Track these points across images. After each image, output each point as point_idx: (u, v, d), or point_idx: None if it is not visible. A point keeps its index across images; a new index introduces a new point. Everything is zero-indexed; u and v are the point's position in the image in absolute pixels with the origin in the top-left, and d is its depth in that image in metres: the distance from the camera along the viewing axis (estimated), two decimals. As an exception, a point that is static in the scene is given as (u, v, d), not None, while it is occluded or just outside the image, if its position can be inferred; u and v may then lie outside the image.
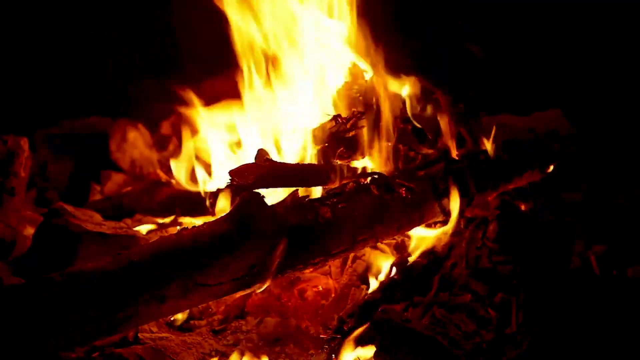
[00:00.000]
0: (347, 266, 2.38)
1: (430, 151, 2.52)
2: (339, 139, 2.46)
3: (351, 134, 2.42)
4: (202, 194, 2.81)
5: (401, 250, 2.42)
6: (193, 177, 3.22)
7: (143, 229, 2.76)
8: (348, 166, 2.42)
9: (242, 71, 2.79)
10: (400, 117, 2.57)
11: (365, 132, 2.46)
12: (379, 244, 2.32)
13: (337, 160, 2.43)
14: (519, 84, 3.72)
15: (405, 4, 2.70)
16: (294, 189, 2.13)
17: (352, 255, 2.35)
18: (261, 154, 2.33)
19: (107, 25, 4.19)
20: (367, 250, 2.37)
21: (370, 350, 1.95)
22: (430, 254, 2.30)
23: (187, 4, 2.71)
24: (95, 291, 1.64)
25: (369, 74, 2.69)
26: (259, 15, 2.72)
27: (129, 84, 4.12)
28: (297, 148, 2.60)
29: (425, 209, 2.26)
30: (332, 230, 2.01)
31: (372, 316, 2.02)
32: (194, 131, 3.13)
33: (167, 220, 2.86)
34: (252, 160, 2.31)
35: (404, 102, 2.61)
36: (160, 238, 1.87)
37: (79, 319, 1.61)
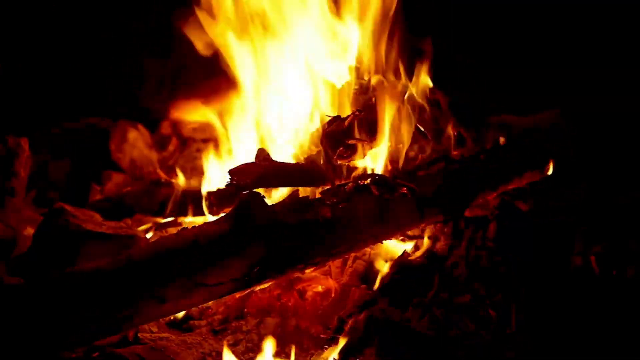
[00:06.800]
0: (347, 266, 2.38)
1: (430, 151, 2.52)
2: (339, 139, 2.46)
3: (351, 141, 2.42)
4: (203, 194, 2.81)
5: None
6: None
7: (143, 229, 2.76)
8: (348, 166, 2.42)
9: (242, 71, 2.79)
10: (401, 118, 2.57)
11: (365, 132, 2.47)
12: (379, 244, 2.32)
13: (338, 160, 2.43)
14: (518, 84, 3.72)
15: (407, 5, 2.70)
16: (294, 188, 2.13)
17: (352, 255, 2.35)
18: (261, 153, 2.33)
19: (107, 25, 4.19)
20: (367, 250, 2.37)
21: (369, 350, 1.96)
22: (430, 254, 2.30)
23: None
24: (95, 291, 1.64)
25: (369, 74, 2.69)
26: (260, 14, 2.73)
27: (130, 84, 4.13)
28: (297, 148, 2.60)
29: (425, 209, 2.26)
30: (332, 230, 2.01)
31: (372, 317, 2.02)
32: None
33: (167, 220, 2.86)
34: (252, 160, 2.32)
35: (404, 102, 2.61)
36: (160, 238, 1.88)
37: (79, 319, 1.62)
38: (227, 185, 2.25)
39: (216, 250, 1.80)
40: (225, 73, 2.85)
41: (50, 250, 2.37)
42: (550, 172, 2.64)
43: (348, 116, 2.47)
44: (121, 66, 4.22)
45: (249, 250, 1.84)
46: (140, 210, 2.95)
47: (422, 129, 2.58)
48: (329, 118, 2.52)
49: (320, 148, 2.47)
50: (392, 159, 2.46)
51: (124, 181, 3.52)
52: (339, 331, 2.10)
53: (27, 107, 3.86)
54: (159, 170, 3.64)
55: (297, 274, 2.24)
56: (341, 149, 2.44)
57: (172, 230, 2.66)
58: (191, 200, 2.83)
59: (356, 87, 2.65)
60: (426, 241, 2.40)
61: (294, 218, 1.95)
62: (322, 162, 2.44)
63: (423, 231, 2.46)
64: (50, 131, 3.78)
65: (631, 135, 3.33)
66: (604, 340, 1.97)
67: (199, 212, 2.73)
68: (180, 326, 2.24)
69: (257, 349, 2.10)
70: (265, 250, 1.87)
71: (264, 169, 2.23)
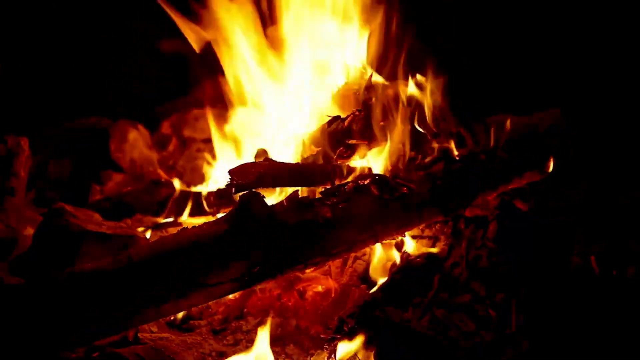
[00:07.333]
0: (347, 266, 2.38)
1: (430, 151, 2.52)
2: (339, 139, 2.46)
3: (351, 141, 2.42)
4: (203, 194, 2.81)
5: (401, 249, 2.42)
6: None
7: (143, 229, 2.76)
8: (348, 166, 2.42)
9: (242, 71, 2.80)
10: (401, 117, 2.57)
11: (365, 132, 2.47)
12: (379, 244, 2.32)
13: (338, 160, 2.43)
14: (518, 84, 3.72)
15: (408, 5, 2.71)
16: (294, 188, 2.13)
17: (352, 255, 2.35)
18: (261, 153, 2.33)
19: (107, 25, 4.19)
20: (367, 250, 2.37)
21: (369, 351, 1.95)
22: (430, 254, 2.30)
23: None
24: (95, 291, 1.64)
25: (369, 74, 2.69)
26: (260, 15, 2.73)
27: (130, 84, 4.13)
28: (297, 148, 2.60)
29: (425, 209, 2.26)
30: (332, 230, 2.01)
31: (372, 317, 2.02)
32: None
33: (167, 220, 2.87)
34: (251, 159, 2.32)
35: (404, 102, 2.61)
36: (160, 238, 1.88)
37: (79, 319, 1.62)
38: (227, 185, 2.25)
39: (216, 250, 1.80)
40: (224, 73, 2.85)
41: (50, 250, 2.37)
42: (550, 169, 2.64)
43: (348, 116, 2.47)
44: (121, 66, 4.22)
45: (249, 250, 1.84)
46: (140, 210, 2.96)
47: (422, 129, 2.58)
48: (329, 118, 2.52)
49: (320, 148, 2.47)
50: (392, 159, 2.46)
51: (124, 181, 3.53)
52: (339, 331, 2.10)
53: (27, 107, 3.87)
54: (159, 170, 3.64)
55: (297, 274, 2.24)
56: (341, 149, 2.44)
57: (172, 230, 2.66)
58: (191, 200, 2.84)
59: (356, 87, 2.65)
60: (426, 241, 2.40)
61: (294, 218, 1.95)
62: (322, 162, 2.44)
63: (423, 231, 2.46)
64: (50, 131, 3.79)
65: (631, 136, 3.33)
66: (604, 340, 1.97)
67: (199, 212, 2.74)
68: (180, 326, 2.24)
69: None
70: (265, 250, 1.87)
71: (264, 169, 2.22)
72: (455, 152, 2.53)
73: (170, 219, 2.87)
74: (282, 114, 2.77)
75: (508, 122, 2.72)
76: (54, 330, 1.59)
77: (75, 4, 4.07)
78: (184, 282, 1.74)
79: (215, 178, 3.04)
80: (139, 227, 2.78)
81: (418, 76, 2.63)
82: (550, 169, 2.65)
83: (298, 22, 2.73)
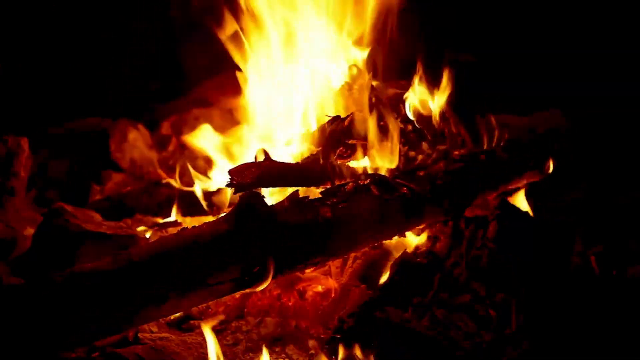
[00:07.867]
0: (347, 266, 2.38)
1: (430, 151, 2.52)
2: (339, 139, 2.46)
3: (351, 141, 2.42)
4: (203, 194, 2.81)
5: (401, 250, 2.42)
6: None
7: (143, 229, 2.76)
8: (348, 166, 2.42)
9: (242, 72, 2.80)
10: (401, 117, 2.57)
11: (364, 131, 2.46)
12: (379, 244, 2.32)
13: (338, 160, 2.43)
14: (518, 84, 3.72)
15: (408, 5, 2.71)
16: (294, 188, 2.13)
17: (352, 255, 2.35)
18: (261, 153, 2.33)
19: (107, 25, 4.19)
20: (367, 250, 2.37)
21: (370, 351, 1.95)
22: (430, 254, 2.30)
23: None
24: (95, 291, 1.64)
25: (369, 74, 2.69)
26: (259, 17, 2.73)
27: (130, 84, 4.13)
28: (297, 148, 2.60)
29: (425, 209, 2.26)
30: (332, 230, 2.01)
31: (372, 317, 2.02)
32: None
33: (167, 220, 2.87)
34: (252, 159, 2.31)
35: (404, 102, 2.61)
36: (160, 238, 1.88)
37: (79, 319, 1.62)
38: (227, 185, 2.25)
39: (216, 250, 1.80)
40: (224, 73, 2.85)
41: (50, 250, 2.37)
42: (550, 170, 2.64)
43: (348, 116, 2.47)
44: (121, 66, 4.23)
45: (249, 250, 1.84)
46: (140, 210, 2.96)
47: (422, 128, 2.57)
48: (329, 118, 2.52)
49: (320, 148, 2.47)
50: (392, 158, 2.45)
51: (124, 181, 3.53)
52: (339, 331, 2.10)
53: (27, 107, 3.87)
54: (159, 170, 3.64)
55: (297, 274, 2.24)
56: (341, 149, 2.44)
57: (172, 230, 2.66)
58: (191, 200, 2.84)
59: (356, 87, 2.65)
60: (426, 241, 2.40)
61: (294, 218, 1.95)
62: (322, 162, 2.44)
63: (423, 231, 2.46)
64: (50, 131, 3.79)
65: (631, 136, 3.33)
66: (604, 340, 1.97)
67: (199, 212, 2.73)
68: (180, 326, 2.24)
69: (257, 349, 2.10)
70: (265, 250, 1.87)
71: (263, 169, 2.22)
72: (455, 152, 2.53)
73: (170, 219, 2.87)
74: (282, 114, 2.77)
75: (508, 122, 2.72)
76: (54, 330, 1.59)
77: (76, 4, 4.07)
78: (184, 282, 1.74)
79: (216, 178, 3.04)
80: (139, 227, 2.78)
81: (418, 76, 2.63)
82: (551, 169, 2.65)
83: (298, 21, 2.73)
